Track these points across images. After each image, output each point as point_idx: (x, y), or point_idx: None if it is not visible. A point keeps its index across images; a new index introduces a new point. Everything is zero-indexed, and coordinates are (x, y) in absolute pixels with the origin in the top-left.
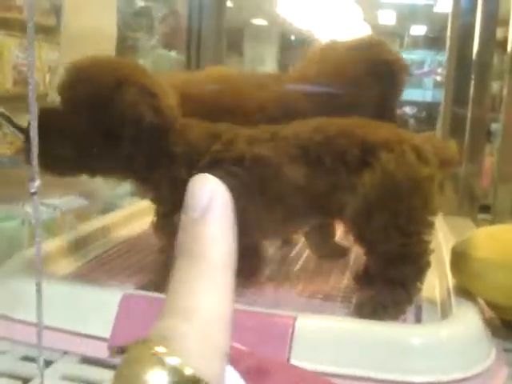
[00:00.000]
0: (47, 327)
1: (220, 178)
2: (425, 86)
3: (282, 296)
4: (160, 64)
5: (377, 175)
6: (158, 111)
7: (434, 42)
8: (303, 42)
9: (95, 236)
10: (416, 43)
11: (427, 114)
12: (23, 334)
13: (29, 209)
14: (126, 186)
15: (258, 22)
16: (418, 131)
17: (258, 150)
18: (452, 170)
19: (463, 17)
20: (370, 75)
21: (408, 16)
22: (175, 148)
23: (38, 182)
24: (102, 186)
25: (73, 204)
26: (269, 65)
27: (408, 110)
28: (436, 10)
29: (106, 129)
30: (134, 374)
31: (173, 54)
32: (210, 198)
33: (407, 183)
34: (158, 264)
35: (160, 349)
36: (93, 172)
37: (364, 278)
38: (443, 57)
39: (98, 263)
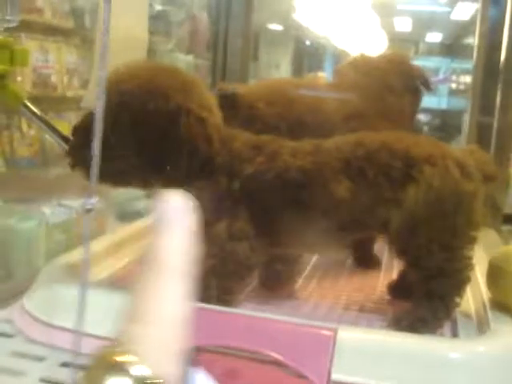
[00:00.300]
0: (86, 334)
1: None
2: (440, 93)
3: (317, 307)
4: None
5: (420, 190)
6: (207, 139)
7: (449, 49)
8: (319, 47)
9: (129, 241)
10: (431, 50)
11: (441, 122)
12: (62, 340)
13: (45, 210)
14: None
15: (274, 27)
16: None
17: (301, 162)
18: (494, 185)
19: (490, 23)
20: (401, 88)
21: (424, 23)
22: (218, 158)
23: (95, 200)
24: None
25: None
26: (283, 70)
27: (422, 117)
28: (453, 17)
29: (152, 144)
30: (96, 379)
31: (189, 57)
32: (172, 213)
33: (451, 198)
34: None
35: (120, 353)
36: (135, 182)
37: (399, 291)
38: (458, 64)
39: (134, 268)
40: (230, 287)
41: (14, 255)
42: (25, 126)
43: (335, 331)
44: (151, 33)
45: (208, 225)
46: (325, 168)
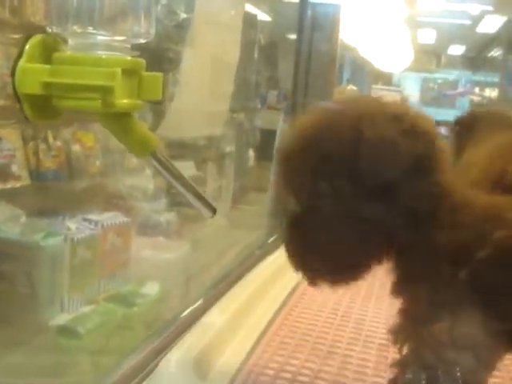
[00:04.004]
0: None
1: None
2: (460, 106)
3: None
4: None
5: None
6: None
7: (471, 62)
8: (345, 59)
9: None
10: (453, 63)
11: None
12: None
13: (70, 225)
14: (161, 202)
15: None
16: None
17: None
18: None
19: None
20: None
21: (448, 35)
22: (443, 229)
23: None
24: (140, 201)
25: (114, 220)
26: None
27: (443, 130)
28: (478, 30)
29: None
30: None
31: None
32: None
33: None
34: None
35: None
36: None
37: None
38: (481, 77)
39: None
40: None
41: (39, 272)
42: (51, 138)
43: None
44: (176, 41)
45: (420, 321)
46: None
